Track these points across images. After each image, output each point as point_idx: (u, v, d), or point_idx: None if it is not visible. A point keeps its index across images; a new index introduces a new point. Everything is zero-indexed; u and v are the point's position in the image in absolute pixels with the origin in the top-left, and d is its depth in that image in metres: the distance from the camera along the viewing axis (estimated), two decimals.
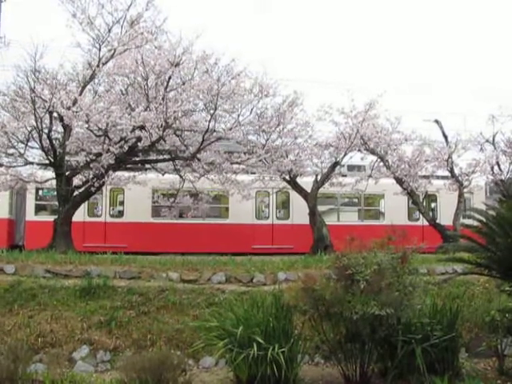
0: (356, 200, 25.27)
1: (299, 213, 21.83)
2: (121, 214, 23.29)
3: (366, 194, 23.54)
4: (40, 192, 22.79)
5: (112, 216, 23.19)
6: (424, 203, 22.22)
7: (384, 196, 24.02)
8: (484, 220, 9.72)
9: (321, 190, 19.99)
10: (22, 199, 22.98)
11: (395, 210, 23.01)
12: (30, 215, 22.55)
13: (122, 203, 23.29)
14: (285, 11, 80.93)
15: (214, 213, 24.13)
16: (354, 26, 79.65)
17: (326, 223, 19.52)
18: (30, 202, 22.54)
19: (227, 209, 23.68)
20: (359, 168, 22.99)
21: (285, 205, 24.24)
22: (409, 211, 24.35)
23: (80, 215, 20.94)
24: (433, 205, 25.05)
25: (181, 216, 22.59)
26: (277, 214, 24.27)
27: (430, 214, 22.69)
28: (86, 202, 20.59)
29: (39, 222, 21.45)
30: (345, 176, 21.60)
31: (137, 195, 21.48)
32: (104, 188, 18.82)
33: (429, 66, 73.10)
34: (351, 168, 23.14)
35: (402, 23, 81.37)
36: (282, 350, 8.23)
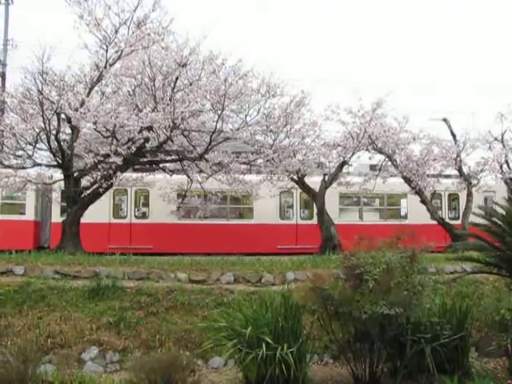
0: (379, 200, 25.28)
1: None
2: (146, 215, 23.36)
3: (388, 194, 23.54)
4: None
5: (137, 217, 23.29)
6: (447, 203, 22.14)
7: (407, 196, 23.86)
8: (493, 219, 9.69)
9: (344, 190, 20.03)
10: (47, 201, 23.04)
11: (418, 210, 22.68)
12: (56, 217, 22.67)
13: (147, 204, 23.37)
14: (289, 11, 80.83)
15: (238, 213, 24.41)
16: (358, 25, 79.57)
17: (351, 223, 19.47)
18: (56, 204, 22.67)
19: (251, 209, 23.79)
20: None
21: (308, 204, 24.30)
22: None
23: (105, 216, 21.02)
24: (454, 204, 24.97)
25: (206, 217, 22.77)
26: (301, 214, 24.36)
27: (453, 213, 22.64)
28: (112, 204, 20.72)
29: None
30: (365, 176, 21.39)
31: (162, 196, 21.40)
32: (129, 189, 18.85)
33: (433, 65, 72.90)
34: (373, 168, 22.95)
35: (406, 22, 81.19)
36: (291, 349, 8.23)
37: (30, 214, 22.56)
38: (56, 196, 21.60)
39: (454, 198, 24.97)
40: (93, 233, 20.43)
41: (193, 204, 21.28)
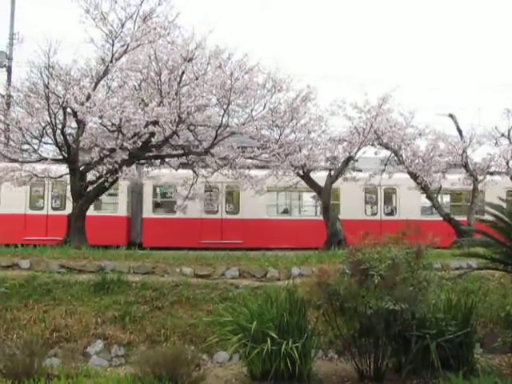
0: (450, 196, 25.38)
1: (405, 208, 22.92)
2: (236, 210, 23.73)
3: (456, 191, 23.55)
4: (157, 189, 23.32)
5: (228, 213, 23.61)
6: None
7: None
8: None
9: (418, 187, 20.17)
10: (137, 197, 23.13)
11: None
12: (148, 212, 22.81)
13: (237, 201, 23.86)
14: (290, 9, 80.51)
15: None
16: (363, 21, 79.31)
17: (432, 219, 19.52)
18: (148, 200, 22.76)
19: (337, 205, 23.75)
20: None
21: (390, 200, 24.61)
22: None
23: (197, 212, 21.70)
24: None
25: (293, 213, 23.36)
26: (384, 209, 24.63)
27: None
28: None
29: (157, 219, 21.71)
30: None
31: (251, 193, 21.27)
32: (220, 185, 19.94)
33: (439, 61, 72.64)
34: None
35: (410, 19, 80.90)
36: (296, 344, 8.23)
37: (122, 210, 22.68)
38: (148, 193, 22.09)
39: None
40: (184, 228, 21.08)
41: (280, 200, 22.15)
